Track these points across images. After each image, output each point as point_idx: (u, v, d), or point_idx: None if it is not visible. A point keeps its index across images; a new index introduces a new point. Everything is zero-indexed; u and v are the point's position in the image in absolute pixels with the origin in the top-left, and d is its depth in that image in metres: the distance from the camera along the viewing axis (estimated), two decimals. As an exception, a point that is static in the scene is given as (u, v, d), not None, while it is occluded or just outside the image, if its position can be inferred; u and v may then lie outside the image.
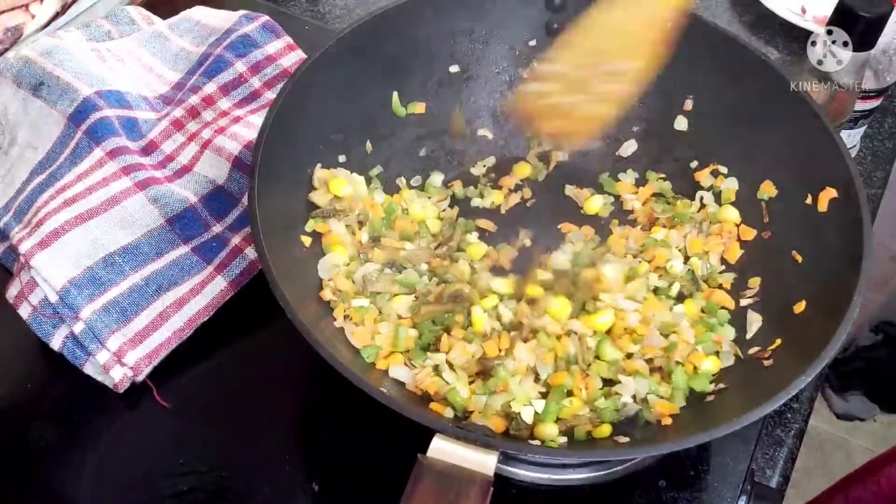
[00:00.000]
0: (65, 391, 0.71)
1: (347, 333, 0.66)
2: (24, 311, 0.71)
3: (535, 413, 0.61)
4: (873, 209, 0.91)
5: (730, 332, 0.69)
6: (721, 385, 0.65)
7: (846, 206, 0.65)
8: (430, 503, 0.48)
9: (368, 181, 0.78)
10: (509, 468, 0.66)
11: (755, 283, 0.71)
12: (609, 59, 0.64)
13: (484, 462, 0.51)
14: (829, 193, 0.67)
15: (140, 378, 0.69)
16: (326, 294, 0.68)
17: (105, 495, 0.65)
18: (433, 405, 0.62)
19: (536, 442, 0.61)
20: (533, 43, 0.83)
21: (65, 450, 0.67)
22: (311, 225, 0.71)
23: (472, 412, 0.62)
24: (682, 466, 0.67)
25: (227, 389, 0.72)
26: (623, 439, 0.60)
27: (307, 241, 0.70)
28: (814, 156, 0.69)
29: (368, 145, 0.79)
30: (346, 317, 0.67)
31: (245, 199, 0.78)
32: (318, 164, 0.74)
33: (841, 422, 1.80)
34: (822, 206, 0.67)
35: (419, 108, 0.81)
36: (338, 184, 0.72)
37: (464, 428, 0.58)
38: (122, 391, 0.69)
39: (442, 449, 0.51)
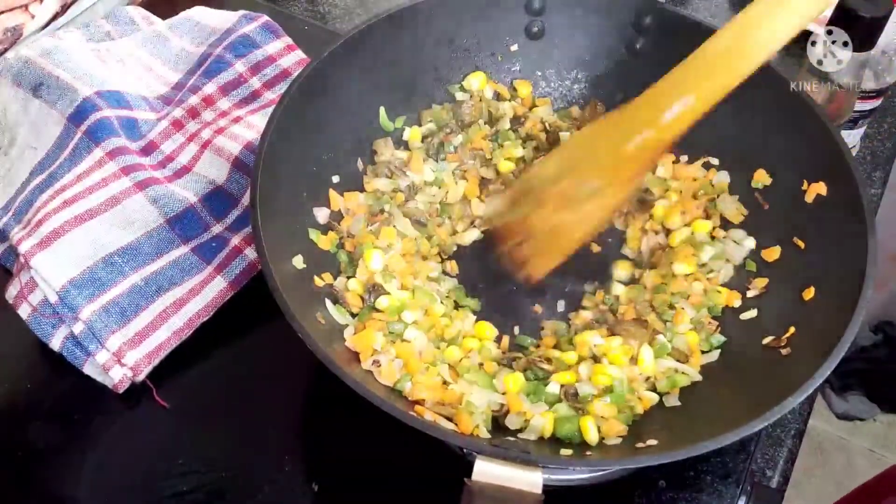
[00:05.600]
0: (65, 391, 0.71)
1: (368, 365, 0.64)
2: (24, 312, 0.71)
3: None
4: (873, 209, 0.91)
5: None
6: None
7: (844, 185, 0.65)
8: None
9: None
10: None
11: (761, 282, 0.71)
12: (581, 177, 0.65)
13: (531, 480, 0.49)
14: (819, 187, 0.68)
15: (140, 378, 0.69)
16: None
17: (105, 495, 0.65)
18: (459, 418, 0.61)
19: (568, 451, 0.60)
20: (514, 48, 0.82)
21: (65, 450, 0.67)
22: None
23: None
24: (682, 466, 0.67)
25: (227, 389, 0.72)
26: (651, 441, 0.59)
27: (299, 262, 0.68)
28: (804, 140, 0.69)
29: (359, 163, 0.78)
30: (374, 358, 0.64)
31: (245, 199, 0.78)
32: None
33: (841, 422, 1.80)
34: (810, 197, 0.69)
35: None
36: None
37: (501, 446, 0.56)
38: (121, 391, 0.69)
39: (486, 471, 0.49)
